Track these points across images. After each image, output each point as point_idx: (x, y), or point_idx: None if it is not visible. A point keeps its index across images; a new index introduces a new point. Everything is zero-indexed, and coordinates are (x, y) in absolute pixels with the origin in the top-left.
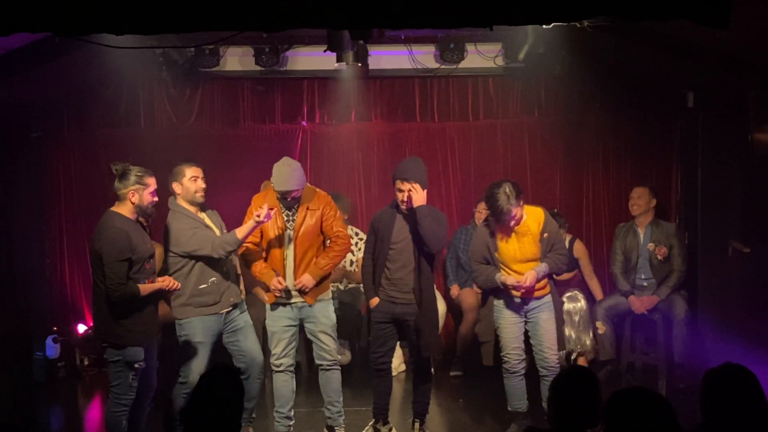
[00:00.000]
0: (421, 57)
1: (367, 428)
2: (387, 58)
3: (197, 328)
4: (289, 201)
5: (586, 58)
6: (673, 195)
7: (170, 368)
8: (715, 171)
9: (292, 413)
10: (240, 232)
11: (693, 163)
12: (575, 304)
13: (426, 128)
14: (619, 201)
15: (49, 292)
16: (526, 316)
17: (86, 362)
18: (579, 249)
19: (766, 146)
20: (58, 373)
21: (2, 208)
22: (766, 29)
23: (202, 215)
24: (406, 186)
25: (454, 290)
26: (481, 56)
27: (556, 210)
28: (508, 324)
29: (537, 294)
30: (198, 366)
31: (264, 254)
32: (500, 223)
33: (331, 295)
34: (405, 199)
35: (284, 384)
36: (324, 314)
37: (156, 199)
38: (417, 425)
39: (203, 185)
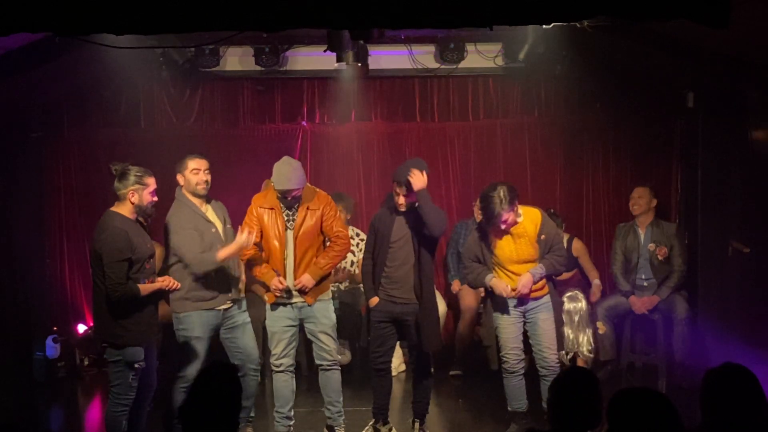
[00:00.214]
0: (421, 57)
1: (367, 428)
2: (387, 58)
3: (195, 323)
4: (290, 200)
5: (586, 58)
6: (673, 195)
7: (170, 368)
8: (715, 171)
9: (292, 413)
10: (221, 255)
11: (693, 163)
12: (575, 304)
13: (426, 128)
14: (619, 201)
15: (49, 292)
16: (524, 317)
17: (86, 362)
18: (578, 248)
19: (766, 146)
20: (58, 373)
21: (2, 208)
22: (766, 29)
23: (207, 207)
24: (402, 190)
25: (455, 285)
26: (481, 56)
27: (552, 210)
28: (507, 324)
29: (535, 294)
30: (195, 361)
31: (264, 254)
32: (490, 226)
33: (331, 295)
34: (402, 202)
35: (284, 384)
36: (324, 314)
37: (155, 198)
38: (417, 425)
39: (205, 178)
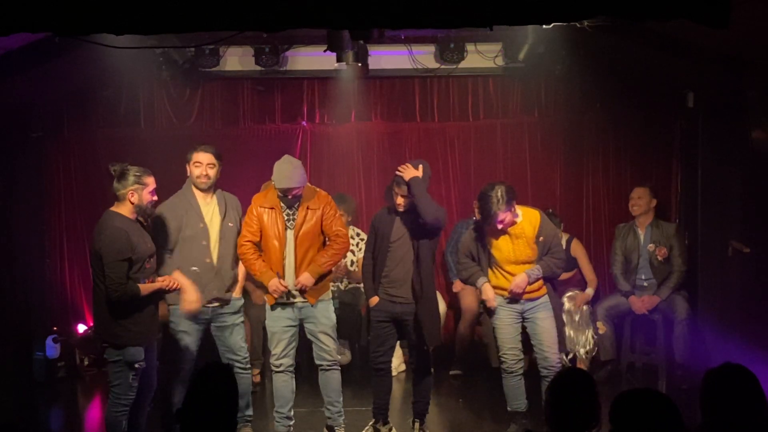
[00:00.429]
0: (421, 57)
1: (367, 428)
2: (387, 58)
3: (181, 317)
4: (290, 199)
5: (586, 58)
6: (673, 195)
7: (170, 368)
8: (715, 171)
9: (292, 413)
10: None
11: (693, 163)
12: (575, 303)
13: (426, 128)
14: (619, 201)
15: (49, 292)
16: (523, 317)
17: (86, 362)
18: (576, 249)
19: (766, 146)
20: (58, 373)
21: (2, 208)
22: (766, 29)
23: (210, 201)
24: (401, 190)
25: (457, 285)
26: (481, 56)
27: (551, 210)
28: (504, 325)
29: (532, 295)
30: (185, 356)
31: (263, 254)
32: (486, 224)
33: (331, 295)
34: (400, 202)
35: (284, 384)
36: (324, 315)
37: (155, 198)
38: (417, 425)
39: (205, 172)
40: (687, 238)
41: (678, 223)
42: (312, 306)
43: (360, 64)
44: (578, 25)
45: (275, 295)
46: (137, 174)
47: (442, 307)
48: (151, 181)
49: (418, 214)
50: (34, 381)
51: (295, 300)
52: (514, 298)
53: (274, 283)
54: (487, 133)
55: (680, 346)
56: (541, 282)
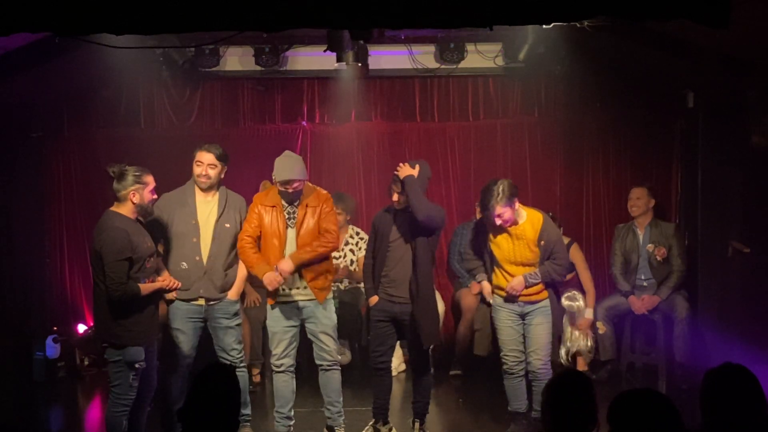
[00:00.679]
0: (421, 57)
1: (367, 428)
2: (387, 58)
3: (174, 314)
4: (291, 194)
5: (586, 58)
6: (673, 195)
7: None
8: (715, 171)
9: (293, 413)
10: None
11: (693, 163)
12: (573, 303)
13: (426, 128)
14: (619, 201)
15: (49, 292)
16: (523, 319)
17: (86, 362)
18: (575, 254)
19: (766, 146)
20: (58, 373)
21: (2, 208)
22: (766, 29)
23: (211, 199)
24: (397, 187)
25: (474, 287)
26: (481, 56)
27: (551, 214)
28: (505, 326)
29: (531, 298)
30: (181, 352)
31: (263, 253)
32: (485, 218)
33: (332, 294)
34: (396, 199)
35: (285, 384)
36: (325, 315)
37: (155, 196)
38: (417, 425)
39: (205, 171)
40: (687, 238)
41: (677, 223)
42: (314, 305)
43: (360, 64)
44: (578, 25)
45: (271, 287)
46: (137, 174)
47: (441, 307)
48: (150, 180)
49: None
50: (34, 381)
51: (297, 298)
52: (510, 298)
53: (269, 276)
54: (487, 133)
55: (680, 345)
56: (542, 286)
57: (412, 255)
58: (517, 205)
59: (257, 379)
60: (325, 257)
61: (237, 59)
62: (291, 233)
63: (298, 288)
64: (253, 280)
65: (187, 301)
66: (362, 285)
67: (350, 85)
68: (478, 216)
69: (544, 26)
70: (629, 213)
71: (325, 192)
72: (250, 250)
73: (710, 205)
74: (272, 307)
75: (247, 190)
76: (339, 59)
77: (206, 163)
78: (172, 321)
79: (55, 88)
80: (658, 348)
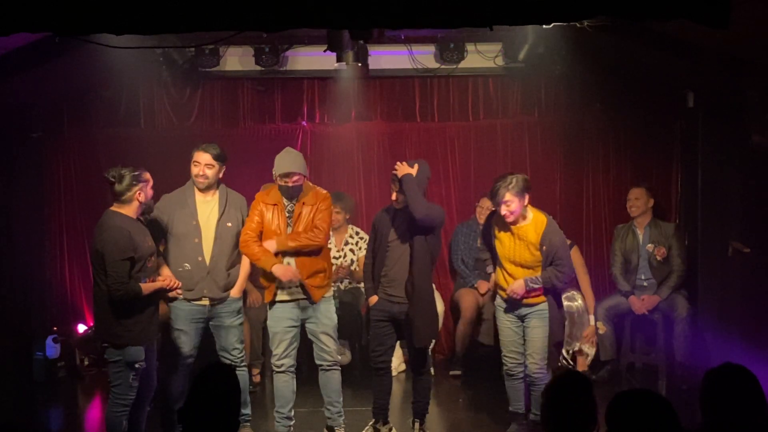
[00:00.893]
0: (421, 57)
1: (367, 428)
2: (387, 58)
3: (177, 315)
4: (291, 189)
5: (586, 58)
6: (673, 195)
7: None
8: (715, 171)
9: (293, 413)
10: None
11: (693, 163)
12: (572, 303)
13: (426, 128)
14: (619, 201)
15: (49, 292)
16: (522, 321)
17: (86, 362)
18: (575, 258)
19: (766, 146)
20: (58, 373)
21: (2, 208)
22: (766, 29)
23: (211, 199)
24: (396, 186)
25: (482, 287)
26: (481, 56)
27: (551, 216)
28: (504, 326)
29: (529, 301)
30: (183, 352)
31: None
32: (493, 204)
33: (332, 294)
34: (394, 198)
35: (285, 384)
36: (326, 315)
37: (152, 192)
38: (417, 425)
39: (202, 172)
40: (687, 238)
41: (677, 223)
42: (314, 304)
43: (360, 64)
44: (578, 25)
45: (285, 278)
46: (135, 174)
47: (441, 306)
48: (148, 177)
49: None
50: (34, 381)
51: (297, 297)
52: (511, 300)
53: (281, 268)
54: (487, 133)
55: (680, 345)
56: (541, 289)
57: (410, 251)
58: (527, 202)
59: (257, 379)
60: (313, 252)
61: (237, 59)
62: (289, 231)
63: (296, 287)
64: (254, 280)
65: (191, 301)
66: (362, 285)
67: (350, 85)
68: (479, 214)
69: (544, 26)
70: (629, 213)
71: (324, 191)
72: (254, 244)
73: (710, 205)
74: (272, 307)
75: (247, 189)
76: (339, 59)
77: (203, 163)
78: (175, 322)
79: (55, 88)
80: (658, 348)
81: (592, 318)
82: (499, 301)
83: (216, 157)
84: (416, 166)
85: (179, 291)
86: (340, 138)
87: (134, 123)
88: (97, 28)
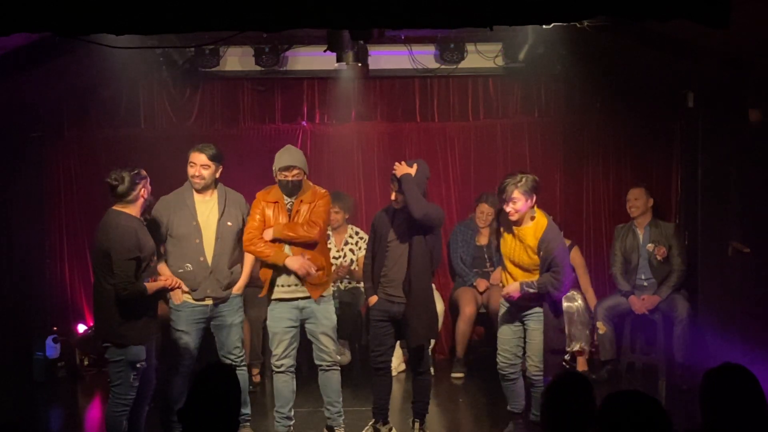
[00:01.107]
0: (421, 57)
1: (367, 428)
2: (387, 58)
3: (179, 317)
4: (291, 183)
5: (586, 58)
6: (673, 195)
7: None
8: (715, 171)
9: (293, 413)
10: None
11: (693, 163)
12: (572, 303)
13: (426, 128)
14: (619, 201)
15: (49, 292)
16: (522, 323)
17: (86, 362)
18: (576, 258)
19: (766, 146)
20: (58, 373)
21: (2, 208)
22: (766, 29)
23: (209, 199)
24: (395, 186)
25: (481, 284)
26: (481, 56)
27: (552, 217)
28: (503, 322)
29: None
30: (184, 353)
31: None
32: (499, 200)
33: (332, 293)
34: (393, 198)
35: (285, 384)
36: (325, 315)
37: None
38: (417, 425)
39: (198, 172)
40: (687, 238)
41: (677, 223)
42: (313, 304)
43: (360, 64)
44: (578, 25)
45: (301, 271)
46: (134, 173)
47: (441, 306)
48: (146, 173)
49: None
50: (34, 381)
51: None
52: (512, 303)
53: (296, 261)
54: (487, 133)
55: (680, 345)
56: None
57: (408, 251)
58: (533, 203)
59: (257, 379)
60: (308, 246)
61: (237, 59)
62: None
63: (296, 285)
64: (254, 280)
65: (195, 301)
66: (362, 285)
67: (350, 85)
68: (477, 218)
69: (544, 26)
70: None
71: (323, 190)
72: (260, 242)
73: (710, 205)
74: (272, 307)
75: (247, 189)
76: (339, 59)
77: (199, 164)
78: (177, 322)
79: (55, 88)
80: (658, 348)
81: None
82: (502, 299)
83: (212, 158)
84: (415, 166)
85: (184, 290)
86: (340, 138)
87: (134, 123)
88: (97, 28)
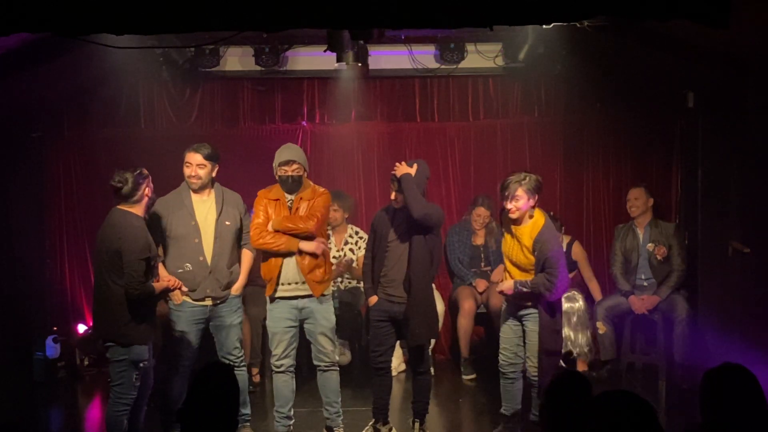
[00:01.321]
0: (421, 57)
1: (367, 428)
2: (387, 58)
3: (178, 317)
4: (291, 179)
5: (586, 58)
6: (673, 195)
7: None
8: (715, 171)
9: (292, 413)
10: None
11: (693, 163)
12: (573, 304)
13: (426, 128)
14: (619, 201)
15: (49, 292)
16: (521, 323)
17: (86, 362)
18: (577, 252)
19: (766, 146)
20: (58, 373)
21: (2, 208)
22: (766, 29)
23: (206, 199)
24: (395, 185)
25: (481, 285)
26: (481, 56)
27: (551, 213)
28: (504, 324)
29: (523, 302)
30: (184, 353)
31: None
32: (501, 197)
33: (330, 291)
34: (393, 197)
35: (285, 384)
36: (324, 316)
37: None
38: (417, 425)
39: (195, 172)
40: (687, 238)
41: (677, 223)
42: (313, 305)
43: (360, 64)
44: (578, 25)
45: (318, 251)
46: (137, 173)
47: (441, 306)
48: (147, 172)
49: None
50: (34, 381)
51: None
52: (509, 299)
53: (309, 244)
54: (487, 133)
55: (680, 345)
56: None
57: (408, 251)
58: (534, 203)
59: (257, 379)
60: (305, 237)
61: (237, 59)
62: None
63: (297, 283)
64: (255, 279)
65: (194, 302)
66: (362, 285)
67: (350, 85)
68: (473, 221)
69: (544, 26)
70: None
71: (323, 189)
72: (269, 234)
73: (710, 205)
74: (271, 307)
75: (247, 189)
76: (339, 59)
77: (195, 163)
78: (176, 324)
79: (55, 88)
80: (658, 348)
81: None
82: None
83: (207, 157)
84: (415, 166)
85: (184, 290)
86: (340, 138)
87: (134, 123)
88: (97, 28)
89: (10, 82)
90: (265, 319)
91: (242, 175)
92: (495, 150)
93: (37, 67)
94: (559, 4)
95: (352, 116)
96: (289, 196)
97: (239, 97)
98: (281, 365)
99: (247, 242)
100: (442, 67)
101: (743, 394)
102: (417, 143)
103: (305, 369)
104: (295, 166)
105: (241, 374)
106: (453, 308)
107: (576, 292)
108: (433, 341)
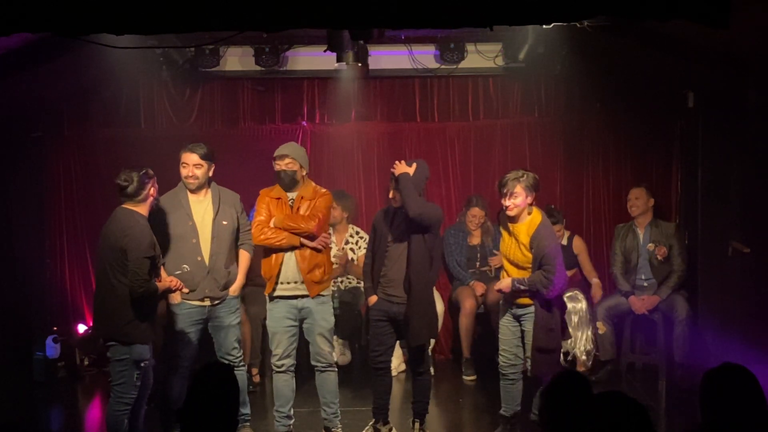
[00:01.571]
0: (421, 57)
1: (367, 428)
2: (387, 58)
3: (177, 318)
4: (285, 173)
5: (586, 58)
6: (673, 195)
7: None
8: (715, 171)
9: (292, 412)
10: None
11: (693, 163)
12: (575, 304)
13: (426, 128)
14: (619, 201)
15: (49, 292)
16: (519, 322)
17: (86, 362)
18: (578, 245)
19: (766, 146)
20: (58, 373)
21: (2, 208)
22: (766, 29)
23: (203, 199)
24: (393, 184)
25: (478, 287)
26: (481, 56)
27: (552, 206)
28: (503, 325)
29: (521, 302)
30: (184, 353)
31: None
32: (499, 195)
33: (329, 292)
34: (391, 196)
35: (285, 384)
36: (323, 316)
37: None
38: (417, 425)
39: (191, 172)
40: (687, 238)
41: (678, 223)
42: (312, 305)
43: (360, 64)
44: (578, 25)
45: (320, 245)
46: (143, 172)
47: (441, 306)
48: (152, 172)
49: None
50: (34, 381)
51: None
52: (507, 298)
53: (317, 240)
54: (487, 133)
55: (680, 346)
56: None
57: (408, 251)
58: (531, 201)
59: (257, 378)
60: (307, 237)
61: (237, 59)
62: None
63: (296, 282)
64: (254, 279)
65: (193, 302)
66: (362, 284)
67: (350, 85)
68: (468, 222)
69: (544, 26)
70: (629, 212)
71: (324, 190)
72: (270, 230)
73: (710, 205)
74: (271, 306)
75: (246, 189)
76: (339, 59)
77: (191, 164)
78: (176, 323)
79: (55, 88)
80: (658, 348)
81: (596, 281)
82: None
83: (204, 157)
84: (414, 165)
85: (185, 290)
86: (340, 138)
87: (134, 123)
88: (97, 28)
89: (10, 82)
90: (264, 318)
91: (242, 175)
92: (495, 150)
93: (37, 67)
94: (559, 4)
95: (352, 116)
96: (290, 195)
97: (239, 97)
98: (282, 365)
99: (244, 242)
100: (442, 67)
101: (743, 394)
102: (417, 143)
103: (305, 369)
104: (287, 161)
105: (240, 374)
106: (453, 308)
107: (578, 292)
108: (432, 341)
